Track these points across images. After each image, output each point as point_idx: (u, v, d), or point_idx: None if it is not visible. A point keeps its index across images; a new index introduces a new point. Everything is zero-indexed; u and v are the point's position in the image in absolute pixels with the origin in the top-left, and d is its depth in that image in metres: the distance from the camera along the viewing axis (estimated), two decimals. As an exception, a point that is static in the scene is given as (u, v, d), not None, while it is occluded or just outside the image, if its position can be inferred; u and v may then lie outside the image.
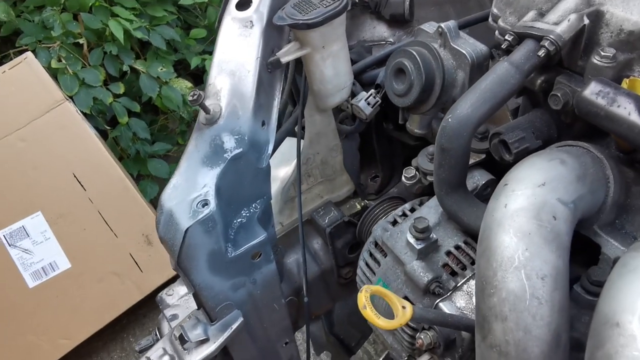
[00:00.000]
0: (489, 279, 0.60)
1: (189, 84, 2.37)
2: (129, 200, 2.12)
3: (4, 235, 2.00)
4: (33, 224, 2.03)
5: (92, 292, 2.06)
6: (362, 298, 0.66)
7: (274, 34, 0.86)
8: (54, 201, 2.04)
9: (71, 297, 2.04)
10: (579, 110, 0.69)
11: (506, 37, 0.77)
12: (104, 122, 2.29)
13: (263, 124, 0.84)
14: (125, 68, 2.26)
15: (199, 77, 2.74)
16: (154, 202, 2.36)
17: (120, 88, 2.26)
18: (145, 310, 2.25)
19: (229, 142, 0.79)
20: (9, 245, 2.01)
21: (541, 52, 0.71)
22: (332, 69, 0.88)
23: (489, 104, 0.73)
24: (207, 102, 0.79)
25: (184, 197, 0.77)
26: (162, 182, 2.38)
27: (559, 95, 0.72)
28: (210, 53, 2.67)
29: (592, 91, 0.67)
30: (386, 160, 1.09)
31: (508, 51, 0.77)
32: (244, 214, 0.85)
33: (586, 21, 0.70)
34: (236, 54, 0.82)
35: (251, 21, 0.83)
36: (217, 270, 0.80)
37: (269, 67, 0.84)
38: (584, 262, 0.75)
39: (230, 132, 0.79)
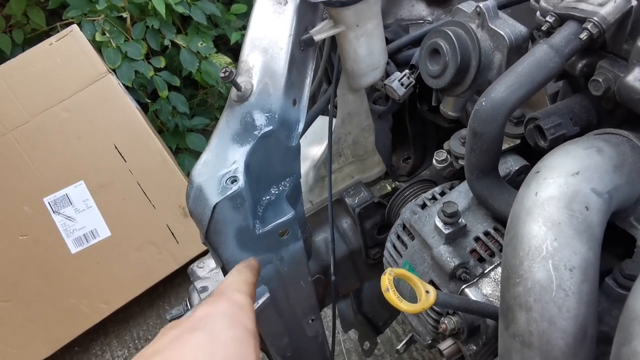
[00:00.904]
0: (514, 267, 0.59)
1: (228, 60, 2.38)
2: (167, 172, 2.16)
3: (48, 202, 2.08)
4: (76, 192, 2.10)
5: (130, 260, 2.13)
6: (386, 281, 0.65)
7: (308, 12, 0.85)
8: (96, 171, 2.10)
9: (110, 264, 2.12)
10: (620, 96, 0.66)
11: (547, 18, 0.74)
12: (144, 95, 2.33)
13: (294, 102, 0.83)
14: (166, 42, 2.28)
15: (238, 53, 2.75)
16: (191, 176, 2.41)
17: (161, 62, 2.29)
18: (181, 280, 2.31)
19: (259, 119, 0.79)
20: (53, 212, 2.09)
21: (583, 35, 0.68)
22: (366, 48, 0.86)
23: (526, 88, 0.70)
24: (239, 79, 0.80)
25: (214, 173, 0.78)
26: (199, 156, 2.42)
27: (600, 80, 0.69)
28: (251, 28, 2.68)
29: (637, 77, 0.64)
30: (419, 142, 1.08)
31: (549, 33, 0.74)
32: (272, 192, 0.86)
33: (634, 3, 0.66)
34: (269, 31, 0.82)
35: (285, -2, 0.82)
36: (244, 245, 0.82)
37: (301, 45, 0.83)
38: (618, 254, 0.73)
39: (261, 109, 0.80)
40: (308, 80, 0.86)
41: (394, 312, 1.54)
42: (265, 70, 0.80)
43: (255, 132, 0.79)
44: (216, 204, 0.75)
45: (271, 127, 0.80)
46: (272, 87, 0.80)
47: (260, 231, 0.82)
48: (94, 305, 2.11)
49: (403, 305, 0.65)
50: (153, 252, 2.15)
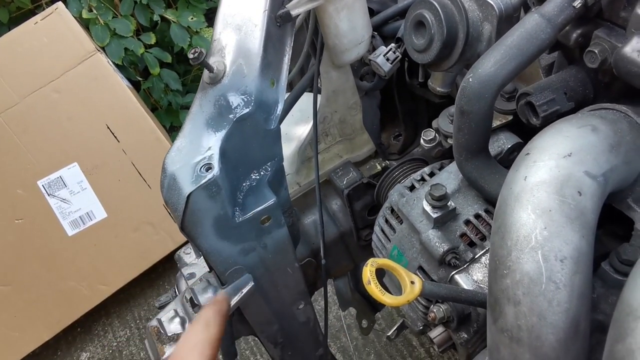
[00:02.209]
0: (502, 258, 0.55)
1: (220, 33, 2.31)
2: (161, 151, 2.12)
3: (42, 185, 2.05)
4: (70, 174, 2.07)
5: (128, 241, 2.12)
6: (367, 273, 0.62)
7: (284, -16, 0.79)
8: (89, 152, 2.07)
9: (108, 246, 2.10)
10: (617, 69, 0.61)
11: (540, -16, 0.68)
12: (136, 73, 2.28)
13: (272, 83, 0.79)
14: (155, 18, 2.22)
15: (232, 25, 2.67)
16: (187, 154, 2.37)
17: (151, 38, 2.23)
18: (180, 260, 2.29)
19: (234, 102, 0.75)
20: (48, 195, 2.06)
21: (577, 3, 0.62)
22: (348, 22, 0.81)
23: (516, 61, 0.65)
24: (211, 60, 0.75)
25: (188, 160, 0.74)
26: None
27: (596, 51, 0.63)
28: (243, 0, 2.60)
29: (635, 47, 0.59)
30: (409, 119, 1.03)
31: (541, 1, 0.69)
32: (253, 177, 0.82)
33: (633, -35, 0.61)
34: (242, 6, 0.76)
35: (259, -30, 0.77)
36: (224, 235, 0.78)
37: (278, 20, 0.78)
38: (618, 235, 0.69)
39: (236, 91, 0.75)
40: (286, 59, 0.81)
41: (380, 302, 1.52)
42: (239, 50, 0.75)
43: (231, 116, 0.75)
44: (190, 193, 0.71)
45: (247, 110, 0.75)
46: (246, 68, 0.75)
47: (240, 219, 0.78)
48: (93, 287, 2.10)
49: (386, 298, 0.61)
50: (150, 233, 2.14)
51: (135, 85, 2.26)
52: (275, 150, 0.82)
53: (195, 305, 0.84)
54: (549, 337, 0.53)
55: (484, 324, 0.73)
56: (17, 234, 2.04)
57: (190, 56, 0.70)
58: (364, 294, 1.50)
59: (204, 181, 0.71)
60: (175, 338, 0.84)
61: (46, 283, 2.06)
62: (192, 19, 2.23)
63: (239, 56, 0.75)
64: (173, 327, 0.83)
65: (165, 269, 2.29)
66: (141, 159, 2.11)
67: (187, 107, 2.36)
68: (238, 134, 0.76)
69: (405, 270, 0.64)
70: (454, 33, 0.74)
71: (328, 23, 0.80)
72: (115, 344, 2.16)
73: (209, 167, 0.73)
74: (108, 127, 2.09)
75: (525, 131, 0.80)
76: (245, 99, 0.75)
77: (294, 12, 0.77)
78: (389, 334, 0.88)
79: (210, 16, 2.57)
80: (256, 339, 1.98)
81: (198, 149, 0.74)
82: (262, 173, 0.82)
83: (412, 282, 0.64)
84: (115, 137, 2.09)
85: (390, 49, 0.86)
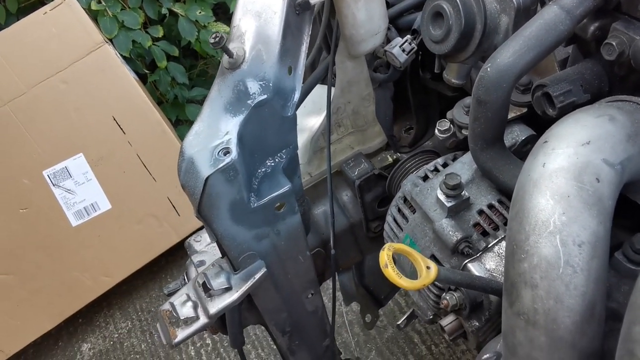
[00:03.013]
0: (520, 243, 0.56)
1: (228, 28, 2.32)
2: (167, 144, 2.13)
3: (47, 175, 2.06)
4: (75, 165, 2.08)
5: (132, 233, 2.12)
6: (384, 256, 0.63)
7: (304, -27, 0.80)
8: (95, 143, 2.07)
9: (112, 237, 2.11)
10: (635, 61, 0.62)
11: (558, -23, 0.69)
12: (143, 65, 2.28)
13: (290, 70, 0.79)
14: (164, 11, 2.22)
15: (238, 21, 2.68)
16: (192, 148, 2.37)
17: (159, 31, 2.23)
18: (183, 253, 2.29)
19: (253, 87, 0.76)
20: (53, 185, 2.07)
21: (597, -5, 0.63)
22: (365, 12, 0.82)
23: (534, 52, 0.66)
24: (231, 45, 0.76)
25: (206, 144, 0.75)
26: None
27: (613, 44, 0.64)
28: (251, -4, 2.61)
29: (653, 40, 0.59)
30: (421, 112, 1.04)
31: (559, -7, 0.70)
32: (268, 164, 0.82)
33: (652, -41, 0.62)
34: (262, -7, 0.77)
35: (279, -42, 0.77)
36: (239, 220, 0.79)
37: (297, 8, 0.78)
38: (629, 227, 0.70)
39: (255, 77, 0.76)
40: (304, 47, 0.82)
41: (396, 285, 1.53)
42: (259, 36, 0.76)
43: (249, 101, 0.76)
44: (208, 176, 0.72)
45: (265, 96, 0.76)
46: (265, 54, 0.76)
47: (256, 204, 0.79)
48: (96, 278, 2.11)
49: (402, 281, 0.62)
50: (154, 225, 2.14)
51: (142, 78, 2.27)
52: (291, 138, 0.83)
53: (207, 289, 0.85)
54: (565, 320, 0.54)
55: (495, 312, 0.74)
56: (22, 224, 2.04)
57: (211, 41, 0.71)
58: (369, 289, 1.51)
59: (222, 165, 0.72)
60: (187, 322, 0.84)
61: (49, 273, 2.07)
62: (200, 13, 2.24)
63: (258, 42, 0.76)
64: (185, 310, 0.84)
65: (167, 262, 2.29)
66: (147, 151, 2.11)
67: (193, 101, 2.37)
68: (255, 119, 0.77)
69: (421, 256, 0.65)
70: (472, 24, 0.75)
71: (346, 12, 0.81)
72: (116, 335, 2.17)
73: (227, 151, 0.73)
74: (114, 119, 2.09)
75: (538, 124, 0.81)
76: (264, 85, 0.76)
77: (313, 1, 0.78)
78: (398, 323, 0.89)
79: (217, 11, 2.58)
80: (256, 333, 1.98)
81: (216, 133, 0.75)
82: (277, 160, 0.83)
83: (428, 267, 0.64)
84: (121, 128, 2.09)
85: (406, 40, 0.87)
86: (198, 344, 2.03)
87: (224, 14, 2.70)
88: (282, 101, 0.79)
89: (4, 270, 2.03)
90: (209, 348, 2.02)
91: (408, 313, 0.89)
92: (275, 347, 1.11)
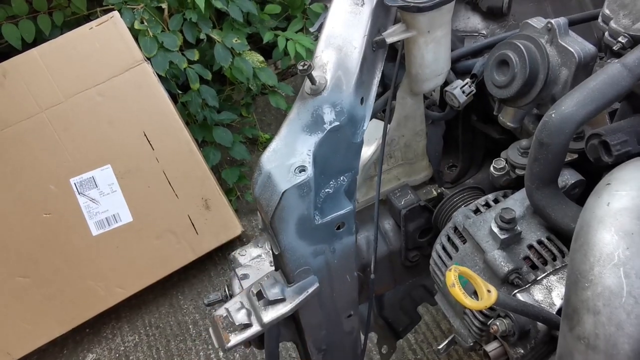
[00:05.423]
0: (584, 272, 0.62)
1: (261, 58, 2.41)
2: (192, 164, 2.19)
3: (74, 183, 2.10)
4: (102, 175, 2.12)
5: (150, 247, 2.15)
6: (451, 277, 0.68)
7: (382, 14, 0.88)
8: (124, 156, 2.13)
9: (130, 249, 2.14)
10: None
11: (619, 39, 0.77)
12: (176, 86, 2.36)
13: (362, 100, 0.86)
14: (202, 36, 2.31)
15: (267, 52, 2.78)
16: (215, 169, 2.43)
17: (195, 55, 2.31)
18: (196, 272, 2.33)
19: (329, 113, 0.82)
20: (78, 193, 2.11)
21: (658, 57, 0.70)
22: (433, 54, 0.89)
23: (596, 104, 0.73)
24: (314, 74, 0.82)
25: (283, 161, 0.80)
26: (225, 150, 2.44)
27: (669, 102, 0.71)
28: (283, 29, 2.71)
29: None
30: (467, 151, 1.11)
31: (618, 54, 0.77)
32: (332, 185, 0.88)
33: None
34: (345, 30, 0.85)
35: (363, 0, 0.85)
36: (303, 234, 0.84)
37: (374, 45, 0.86)
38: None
39: (332, 104, 0.82)
40: (376, 80, 0.89)
41: (415, 318, 1.56)
42: (339, 67, 0.83)
43: (325, 126, 0.82)
44: (285, 190, 0.78)
45: (339, 122, 0.83)
46: (344, 84, 0.83)
47: (320, 222, 0.85)
48: (110, 288, 2.13)
49: (468, 301, 0.67)
50: (172, 241, 2.17)
51: (173, 98, 2.34)
52: (355, 163, 0.89)
53: (261, 298, 0.89)
54: (624, 347, 0.59)
55: (541, 340, 0.78)
56: (44, 228, 2.07)
57: (300, 67, 0.78)
58: (387, 320, 1.55)
59: (298, 181, 0.78)
60: (240, 328, 0.88)
61: (65, 279, 2.09)
62: (236, 40, 2.33)
63: (338, 72, 0.83)
64: (240, 317, 0.88)
65: (180, 279, 2.32)
66: (173, 168, 2.17)
67: (220, 124, 2.44)
68: (328, 143, 0.83)
69: (482, 280, 0.70)
70: (535, 74, 0.82)
71: (415, 53, 0.89)
72: (122, 348, 2.17)
73: (302, 169, 0.79)
74: (145, 135, 2.15)
75: (585, 171, 0.87)
76: (339, 112, 0.83)
77: (388, 40, 0.86)
78: (439, 347, 0.93)
79: (248, 41, 2.68)
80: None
81: (293, 151, 0.81)
82: (339, 182, 0.89)
83: (489, 291, 0.70)
84: (150, 144, 2.15)
85: (467, 83, 0.94)
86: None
87: (253, 43, 2.80)
88: (353, 128, 0.85)
89: (22, 272, 2.05)
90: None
91: (449, 339, 0.93)
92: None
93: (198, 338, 2.13)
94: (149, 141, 2.16)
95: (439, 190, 1.09)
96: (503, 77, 0.85)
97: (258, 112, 2.85)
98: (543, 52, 0.82)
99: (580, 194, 0.87)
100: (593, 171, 0.85)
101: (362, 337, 1.12)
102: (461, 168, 1.11)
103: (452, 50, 1.03)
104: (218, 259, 2.36)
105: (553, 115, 0.74)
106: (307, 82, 0.82)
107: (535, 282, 0.80)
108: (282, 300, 0.89)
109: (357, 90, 0.84)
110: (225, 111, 2.49)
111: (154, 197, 2.16)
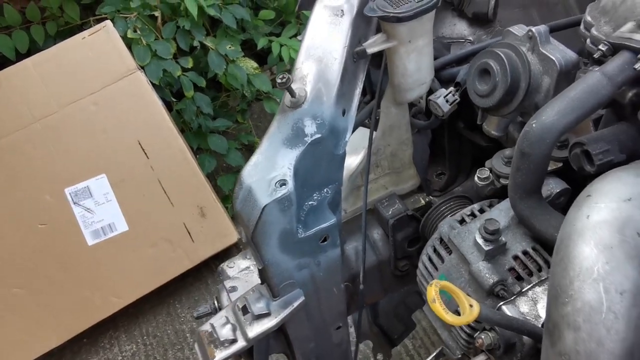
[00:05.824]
0: (564, 287, 0.61)
1: (255, 64, 2.41)
2: (188, 172, 2.19)
3: (69, 193, 2.10)
4: (97, 185, 2.12)
5: (145, 256, 2.15)
6: (432, 292, 0.67)
7: (362, 25, 0.87)
8: (118, 165, 2.13)
9: (125, 259, 2.13)
10: (671, 127, 0.67)
11: (600, 46, 0.76)
12: (170, 94, 2.36)
13: (343, 112, 0.85)
14: (195, 43, 2.31)
15: (262, 58, 2.77)
16: (211, 176, 2.42)
17: (189, 62, 2.31)
18: (192, 279, 2.32)
19: (310, 126, 0.82)
20: (73, 203, 2.11)
21: (638, 65, 0.69)
22: (415, 64, 0.88)
23: (577, 113, 0.72)
24: (293, 86, 0.82)
25: (264, 175, 0.80)
26: (220, 157, 2.44)
27: (651, 110, 0.70)
28: (277, 35, 2.71)
29: (689, 110, 0.65)
30: (454, 159, 1.10)
31: (600, 61, 0.76)
32: (315, 197, 0.87)
33: (690, 37, 0.68)
34: (325, 41, 0.84)
35: (342, 10, 0.85)
36: (286, 248, 0.83)
37: (354, 56, 0.85)
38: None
39: (313, 116, 0.82)
40: (357, 92, 0.88)
41: (410, 325, 1.55)
42: (319, 79, 0.82)
43: (306, 139, 0.81)
44: (265, 205, 0.77)
45: (321, 135, 0.82)
46: (325, 96, 0.82)
47: (303, 235, 0.84)
48: (106, 298, 2.12)
49: (449, 317, 0.66)
50: (168, 250, 2.17)
51: (168, 106, 2.34)
52: (338, 175, 0.89)
53: (247, 312, 0.89)
54: (605, 363, 0.58)
55: (527, 354, 0.77)
56: (39, 238, 2.07)
57: (279, 80, 0.77)
58: (382, 328, 1.54)
59: (279, 195, 0.77)
60: (225, 343, 0.88)
61: (61, 289, 2.08)
62: (230, 47, 2.32)
63: (318, 84, 0.82)
64: (225, 332, 0.88)
65: (177, 288, 2.31)
66: (168, 177, 2.17)
67: (215, 131, 2.43)
68: (310, 155, 0.82)
69: (464, 294, 0.69)
70: (517, 82, 0.81)
71: (397, 63, 0.88)
72: (120, 358, 2.17)
73: (283, 183, 0.79)
74: (139, 143, 2.15)
75: (571, 178, 0.86)
76: (320, 124, 0.82)
77: (369, 50, 0.85)
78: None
79: (243, 47, 2.67)
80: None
81: (274, 165, 0.80)
82: (323, 194, 0.88)
83: (471, 306, 0.69)
84: (145, 153, 2.15)
85: (450, 91, 0.93)
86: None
87: (248, 49, 2.80)
88: (335, 140, 0.84)
89: (18, 284, 2.05)
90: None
91: (436, 351, 0.92)
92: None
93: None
94: (143, 150, 2.15)
95: (427, 199, 1.08)
96: (485, 86, 0.84)
97: (254, 118, 2.84)
98: (524, 60, 0.81)
99: (566, 203, 0.86)
100: (579, 179, 0.84)
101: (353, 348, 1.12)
102: (449, 176, 1.10)
103: (436, 58, 1.02)
104: (215, 266, 2.35)
105: (534, 125, 0.74)
106: (287, 95, 0.81)
107: (521, 293, 0.79)
108: (267, 314, 0.88)
109: (338, 101, 0.84)
110: (221, 118, 2.48)
111: (149, 206, 2.16)
